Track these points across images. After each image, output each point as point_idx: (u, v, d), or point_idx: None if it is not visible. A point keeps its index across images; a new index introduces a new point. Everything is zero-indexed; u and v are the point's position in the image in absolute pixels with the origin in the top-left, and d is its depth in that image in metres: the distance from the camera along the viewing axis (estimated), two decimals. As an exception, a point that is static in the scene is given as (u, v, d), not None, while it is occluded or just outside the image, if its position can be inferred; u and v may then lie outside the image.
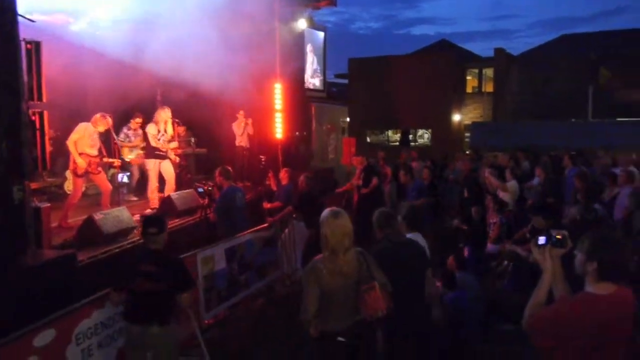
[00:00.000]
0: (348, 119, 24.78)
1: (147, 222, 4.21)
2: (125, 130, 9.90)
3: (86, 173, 7.67)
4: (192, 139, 10.58)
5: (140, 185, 9.90)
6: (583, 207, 6.14)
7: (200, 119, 11.16)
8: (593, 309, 2.48)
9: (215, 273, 6.23)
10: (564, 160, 10.48)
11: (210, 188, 7.92)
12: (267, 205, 8.80)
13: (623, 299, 2.55)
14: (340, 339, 3.40)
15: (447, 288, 5.66)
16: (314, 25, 15.55)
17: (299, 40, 14.63)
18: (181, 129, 10.16)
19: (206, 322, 6.03)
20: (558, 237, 2.72)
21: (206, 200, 7.90)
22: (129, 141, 9.86)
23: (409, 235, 4.37)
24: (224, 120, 11.76)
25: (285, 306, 6.65)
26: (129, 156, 9.82)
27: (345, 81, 29.86)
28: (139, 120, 9.81)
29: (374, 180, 9.78)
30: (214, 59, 9.37)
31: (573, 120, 21.51)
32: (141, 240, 4.61)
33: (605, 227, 4.85)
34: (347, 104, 24.79)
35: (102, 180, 8.02)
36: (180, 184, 9.70)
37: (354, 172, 11.02)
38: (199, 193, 8.22)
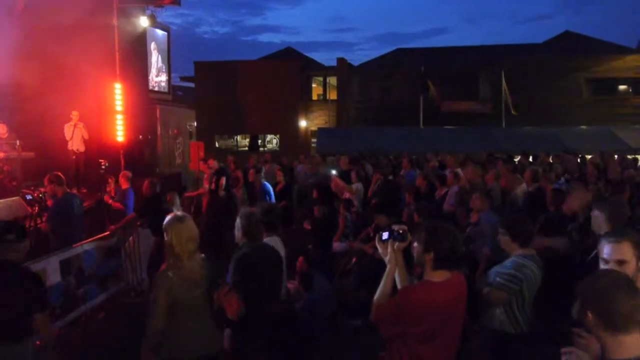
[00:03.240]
0: (195, 123, 24.19)
1: (5, 227, 3.65)
2: None
3: None
4: (17, 142, 9.46)
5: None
6: (413, 207, 6.69)
7: (26, 120, 10.04)
8: (432, 295, 2.69)
9: (48, 288, 5.62)
10: (402, 162, 11.34)
11: (41, 195, 7.15)
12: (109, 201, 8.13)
13: (457, 284, 2.81)
14: None
15: (305, 289, 5.75)
16: (156, 24, 14.91)
17: (141, 39, 13.93)
18: (2, 129, 9.04)
19: (38, 343, 5.40)
20: (399, 232, 2.91)
21: (36, 209, 7.12)
22: None
23: (266, 239, 4.35)
24: (56, 122, 10.72)
25: (130, 319, 6.23)
26: None
27: (191, 84, 29.11)
28: None
29: (222, 180, 9.58)
30: (37, 53, 8.51)
31: (407, 127, 23.38)
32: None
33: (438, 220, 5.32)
34: (194, 107, 24.18)
35: None
36: (4, 192, 8.62)
37: (202, 177, 10.74)
38: (27, 201, 7.38)
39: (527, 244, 3.67)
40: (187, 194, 10.90)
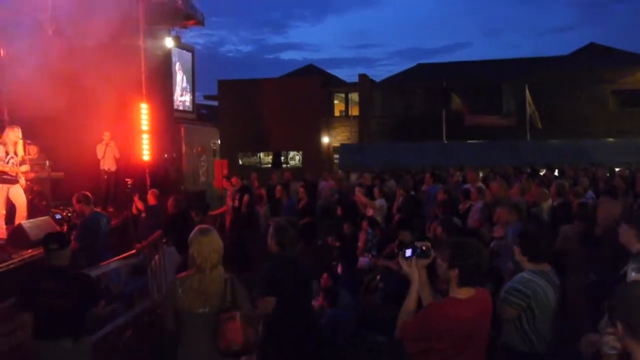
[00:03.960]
0: (219, 141, 24.53)
1: (48, 238, 4.14)
2: None
3: None
4: (47, 162, 9.71)
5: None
6: (442, 220, 6.63)
7: (56, 141, 10.29)
8: (457, 312, 2.67)
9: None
10: (425, 178, 11.28)
11: (69, 214, 7.31)
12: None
13: (482, 300, 2.78)
14: None
15: (329, 304, 5.76)
16: (181, 45, 15.21)
17: (167, 60, 14.21)
18: (33, 151, 9.29)
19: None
20: (422, 248, 2.90)
21: (65, 228, 7.27)
22: None
23: None
24: (86, 142, 10.98)
25: (156, 337, 6.28)
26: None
27: (215, 103, 29.54)
28: None
29: (245, 197, 9.68)
30: (67, 75, 8.77)
31: (430, 142, 23.29)
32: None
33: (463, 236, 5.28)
34: (217, 125, 24.54)
35: None
36: (33, 212, 8.83)
37: (225, 195, 10.85)
38: (57, 220, 7.55)
39: (537, 260, 3.60)
40: (211, 213, 10.99)
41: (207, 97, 31.26)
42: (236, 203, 9.66)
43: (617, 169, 13.17)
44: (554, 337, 3.57)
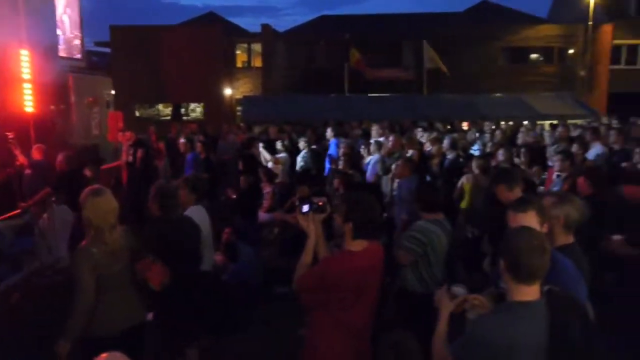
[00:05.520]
0: (113, 92, 23.10)
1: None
2: None
3: None
4: None
5: None
6: (342, 175, 6.82)
7: None
8: (351, 264, 2.80)
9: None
10: (326, 131, 11.43)
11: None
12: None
13: (375, 252, 2.92)
14: None
15: (231, 260, 5.78)
16: (66, -15, 13.97)
17: (49, 2, 13.00)
18: None
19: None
20: (319, 203, 2.97)
21: None
22: None
23: (192, 208, 4.34)
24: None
25: (47, 299, 5.99)
26: None
27: (107, 50, 27.59)
28: None
29: (139, 152, 9.26)
30: None
31: (333, 95, 23.48)
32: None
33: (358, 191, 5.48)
34: (111, 75, 23.03)
35: None
36: None
37: (121, 149, 10.32)
38: None
39: (431, 210, 3.95)
40: (104, 167, 10.45)
41: (98, 44, 29.06)
42: (130, 158, 9.23)
43: (502, 123, 14.16)
44: (444, 277, 3.91)
